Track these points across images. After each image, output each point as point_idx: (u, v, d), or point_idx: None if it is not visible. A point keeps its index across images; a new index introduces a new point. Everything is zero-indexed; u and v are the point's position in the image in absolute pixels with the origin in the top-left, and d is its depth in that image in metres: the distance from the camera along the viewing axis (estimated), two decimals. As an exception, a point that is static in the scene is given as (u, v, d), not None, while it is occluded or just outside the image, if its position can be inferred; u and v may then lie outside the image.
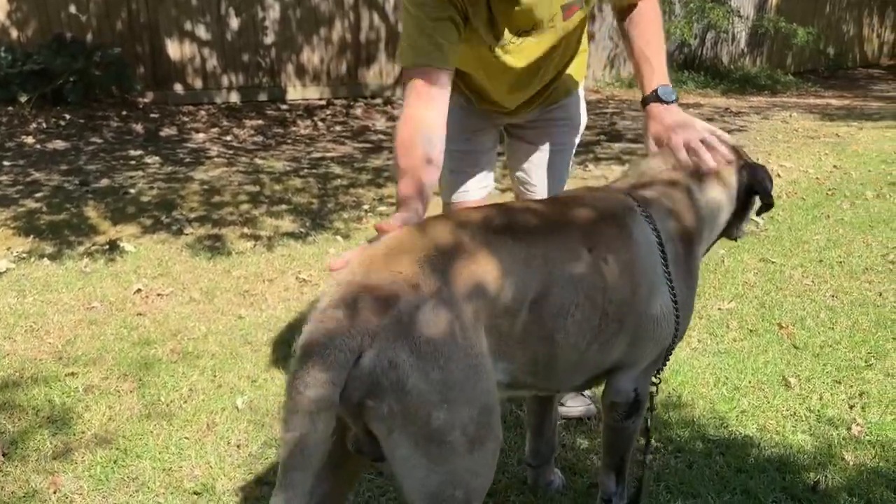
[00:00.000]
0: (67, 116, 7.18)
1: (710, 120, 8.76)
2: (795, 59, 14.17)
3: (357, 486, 2.05)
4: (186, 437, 2.30)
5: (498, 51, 1.92)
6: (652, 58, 1.91)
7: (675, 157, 1.77)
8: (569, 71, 2.18)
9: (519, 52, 1.93)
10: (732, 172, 1.80)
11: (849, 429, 2.33)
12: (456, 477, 1.30)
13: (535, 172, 2.33)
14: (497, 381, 1.40)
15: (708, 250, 1.90)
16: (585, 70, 2.31)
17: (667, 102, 1.85)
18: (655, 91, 1.86)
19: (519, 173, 2.36)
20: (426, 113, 1.71)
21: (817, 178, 5.88)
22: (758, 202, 1.84)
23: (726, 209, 1.80)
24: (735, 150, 1.85)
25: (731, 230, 1.88)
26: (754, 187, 1.81)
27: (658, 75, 1.89)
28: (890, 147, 7.11)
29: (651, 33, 1.95)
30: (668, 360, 1.73)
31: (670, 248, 1.63)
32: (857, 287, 3.53)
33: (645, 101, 1.89)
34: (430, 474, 1.29)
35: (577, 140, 2.38)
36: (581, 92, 2.33)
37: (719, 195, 1.77)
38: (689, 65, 12.38)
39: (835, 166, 6.29)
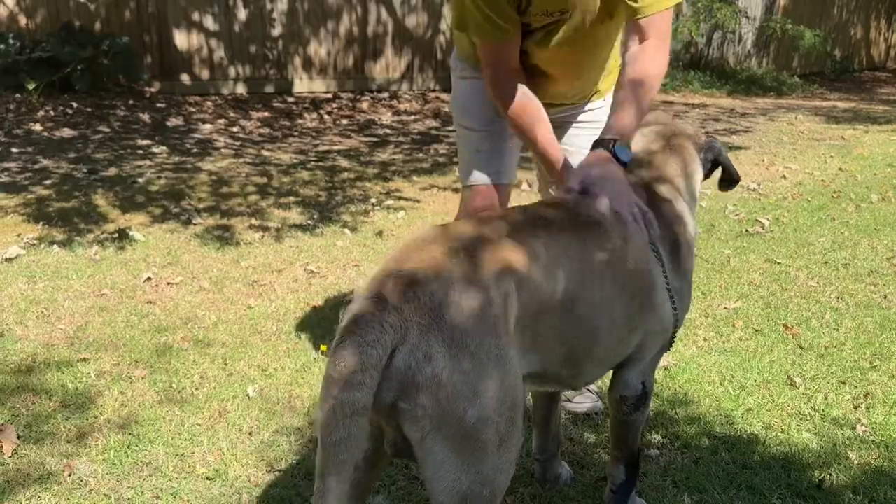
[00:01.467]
0: (75, 105, 7.20)
1: (715, 120, 8.83)
2: (802, 61, 14.16)
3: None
4: (198, 424, 2.33)
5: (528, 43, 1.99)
6: (625, 109, 1.81)
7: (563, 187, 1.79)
8: (595, 76, 2.21)
9: (545, 48, 2.00)
10: (698, 160, 1.88)
11: (853, 428, 2.35)
12: (485, 476, 1.29)
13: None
14: (527, 372, 1.42)
15: None
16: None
17: (621, 162, 1.75)
18: (614, 141, 1.76)
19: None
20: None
21: (823, 180, 5.90)
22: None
23: (693, 193, 1.88)
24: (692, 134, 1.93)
25: None
26: (722, 165, 1.91)
27: (626, 128, 1.80)
28: (895, 150, 7.13)
29: (639, 81, 1.84)
30: (670, 349, 1.77)
31: (661, 239, 1.68)
32: (862, 289, 3.55)
33: (597, 143, 1.79)
34: (461, 476, 1.27)
35: None
36: (609, 99, 2.22)
37: (697, 184, 1.87)
38: (695, 64, 12.38)
39: (840, 169, 6.31)
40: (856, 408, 2.49)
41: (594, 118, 2.26)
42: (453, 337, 1.24)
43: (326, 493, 1.24)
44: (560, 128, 2.28)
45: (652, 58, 1.87)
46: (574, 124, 2.31)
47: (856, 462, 2.18)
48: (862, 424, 2.37)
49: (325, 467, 1.23)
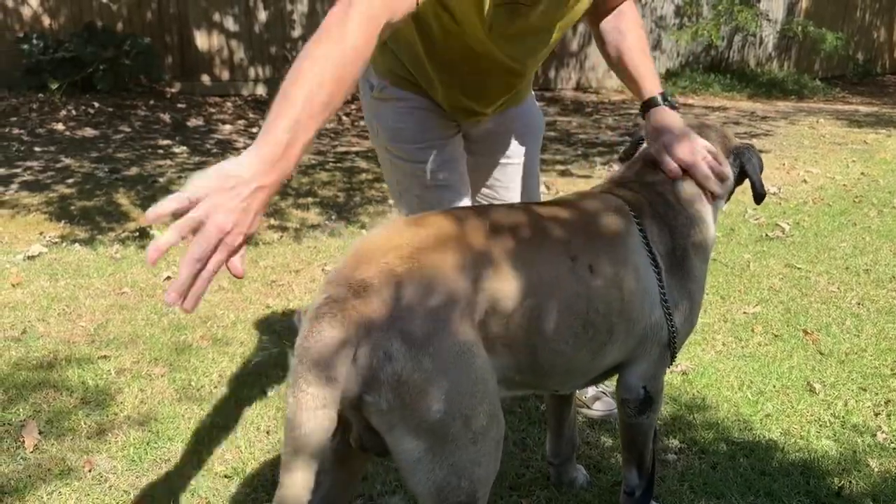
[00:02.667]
0: (97, 104, 7.28)
1: (736, 123, 8.76)
2: (823, 64, 14.04)
3: (372, 482, 2.09)
4: (217, 422, 2.34)
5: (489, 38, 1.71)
6: (649, 69, 1.88)
7: (667, 166, 1.75)
8: (530, 79, 2.05)
9: (507, 37, 1.73)
10: (726, 163, 1.83)
11: (874, 436, 2.33)
12: (460, 468, 1.31)
13: (503, 191, 2.16)
14: (499, 377, 1.41)
15: None
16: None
17: (674, 107, 1.84)
18: (663, 94, 1.84)
19: (487, 190, 2.17)
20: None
21: (844, 184, 5.84)
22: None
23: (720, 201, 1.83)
24: (724, 136, 1.89)
25: None
26: (747, 174, 1.85)
27: (657, 83, 1.87)
28: (918, 155, 7.05)
29: (643, 45, 1.90)
30: (675, 357, 1.71)
31: (658, 248, 1.64)
32: (883, 295, 3.51)
33: (651, 103, 1.84)
34: (434, 468, 1.29)
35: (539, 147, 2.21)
36: (532, 95, 2.17)
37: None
38: (715, 67, 12.31)
39: (862, 173, 6.24)
40: (876, 415, 2.46)
41: (525, 122, 2.14)
42: (413, 337, 1.26)
43: (290, 487, 1.24)
44: (501, 136, 2.10)
45: (636, 22, 1.92)
46: (515, 131, 2.12)
47: (876, 470, 2.16)
48: (882, 432, 2.35)
49: (291, 463, 1.23)
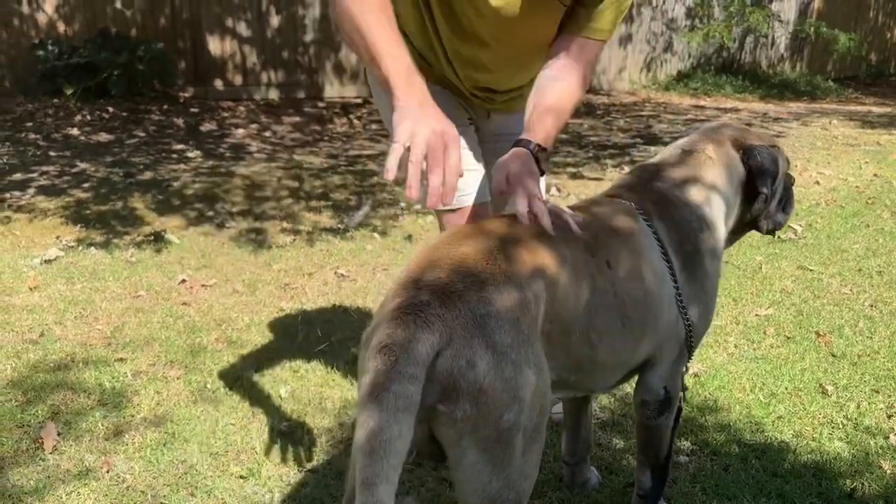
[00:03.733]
0: (111, 109, 7.34)
1: (748, 125, 8.74)
2: (836, 65, 13.96)
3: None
4: (232, 423, 2.37)
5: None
6: (548, 123, 1.70)
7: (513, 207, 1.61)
8: (532, 72, 1.89)
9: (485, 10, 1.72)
10: (730, 162, 1.82)
11: (886, 438, 2.33)
12: (512, 481, 1.30)
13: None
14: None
15: (733, 242, 1.96)
16: None
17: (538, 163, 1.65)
18: (539, 146, 1.66)
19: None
20: None
21: (857, 186, 5.82)
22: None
23: (724, 199, 1.80)
24: (735, 137, 1.87)
25: (756, 222, 1.91)
26: (753, 173, 1.81)
27: (549, 138, 1.69)
28: (932, 156, 7.01)
29: (565, 100, 1.73)
30: (692, 355, 1.74)
31: (669, 246, 1.66)
32: (896, 297, 3.51)
33: (520, 143, 1.67)
34: (492, 480, 1.28)
35: None
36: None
37: (713, 184, 1.79)
38: (727, 69, 12.28)
39: (875, 175, 6.21)
40: (889, 417, 2.46)
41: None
42: (496, 345, 1.25)
43: None
44: (508, 138, 1.87)
45: (579, 85, 1.76)
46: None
47: (888, 472, 2.16)
48: (896, 434, 2.35)
49: (370, 475, 1.13)
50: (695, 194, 1.77)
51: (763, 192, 1.81)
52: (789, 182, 1.98)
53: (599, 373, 1.61)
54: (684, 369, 1.77)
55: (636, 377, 1.78)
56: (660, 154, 1.92)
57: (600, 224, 1.63)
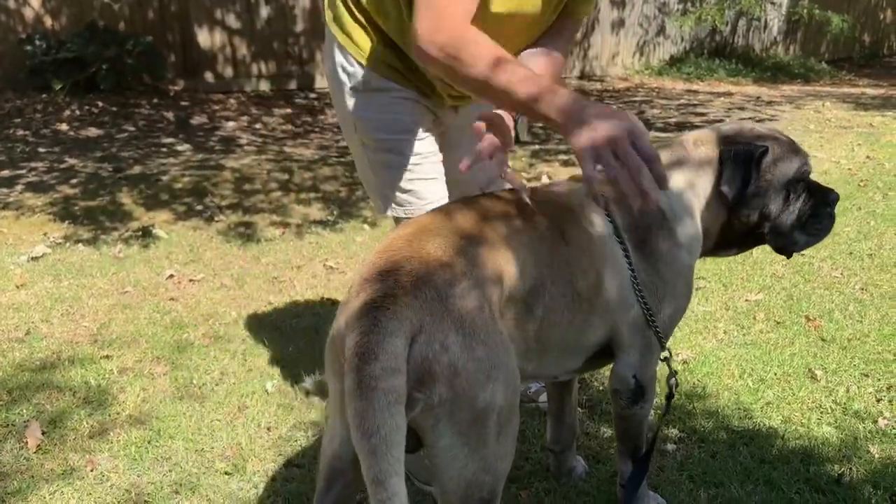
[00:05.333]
0: (100, 104, 7.30)
1: (741, 109, 8.71)
2: (830, 47, 13.93)
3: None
4: (218, 419, 2.36)
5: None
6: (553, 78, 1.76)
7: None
8: None
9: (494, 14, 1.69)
10: (710, 157, 1.73)
11: (875, 422, 2.32)
12: (488, 463, 1.32)
13: (469, 185, 2.03)
14: None
15: (733, 252, 1.86)
16: None
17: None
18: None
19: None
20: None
21: (849, 168, 5.80)
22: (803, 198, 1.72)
23: (694, 192, 1.72)
24: (726, 133, 1.77)
25: (773, 237, 1.77)
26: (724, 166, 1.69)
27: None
28: (925, 137, 6.99)
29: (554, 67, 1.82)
30: (663, 346, 1.69)
31: (624, 231, 1.63)
32: (887, 280, 3.49)
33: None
34: (468, 462, 1.30)
35: None
36: None
37: (681, 180, 1.72)
38: (720, 52, 12.24)
39: (868, 157, 6.19)
40: (878, 401, 2.45)
41: None
42: (465, 326, 1.27)
43: (393, 499, 1.15)
44: (464, 137, 1.94)
45: (563, 59, 1.88)
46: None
47: (877, 456, 2.15)
48: (884, 418, 2.34)
49: (379, 472, 1.15)
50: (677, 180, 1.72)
51: (722, 189, 1.69)
52: (821, 196, 1.75)
53: (552, 355, 1.59)
54: (661, 359, 1.73)
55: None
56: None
57: (557, 204, 1.63)
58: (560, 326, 1.55)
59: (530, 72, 1.47)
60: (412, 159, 1.92)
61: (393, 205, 1.98)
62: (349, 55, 1.88)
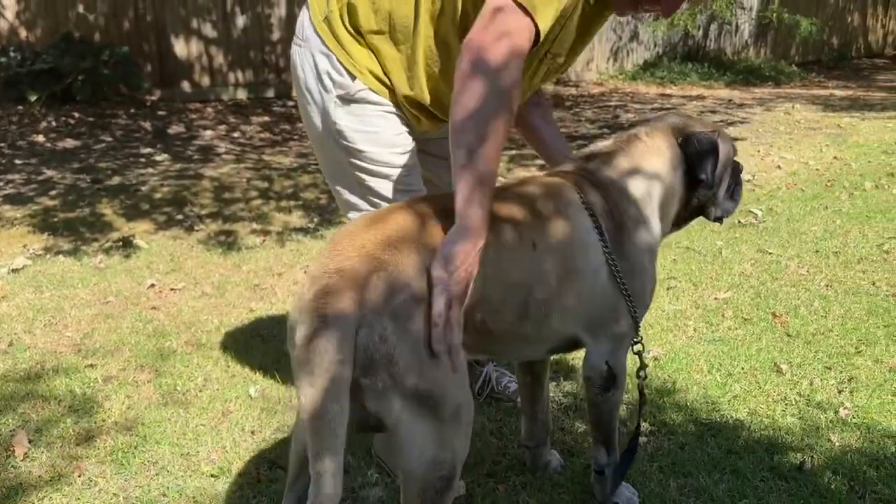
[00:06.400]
0: (77, 115, 7.30)
1: (713, 112, 8.86)
2: (800, 50, 14.19)
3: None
4: (203, 424, 2.41)
5: None
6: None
7: None
8: None
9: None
10: (666, 147, 1.87)
11: (836, 412, 2.42)
12: (445, 441, 1.43)
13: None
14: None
15: (680, 228, 2.01)
16: None
17: None
18: None
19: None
20: None
21: (817, 169, 5.95)
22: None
23: (660, 183, 1.85)
24: (675, 125, 1.91)
25: (704, 209, 1.95)
26: (691, 159, 1.85)
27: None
28: (891, 137, 7.18)
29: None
30: (638, 331, 1.78)
31: (605, 224, 1.72)
32: (851, 276, 3.61)
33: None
34: (426, 440, 1.41)
35: None
36: None
37: (644, 167, 1.85)
38: (692, 56, 12.43)
39: (835, 157, 6.36)
40: (840, 392, 2.56)
41: None
42: (400, 317, 1.38)
43: (324, 475, 1.31)
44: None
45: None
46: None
47: (837, 444, 2.25)
48: (845, 408, 2.44)
49: (320, 450, 1.30)
50: (626, 176, 1.82)
51: (702, 178, 1.85)
52: (738, 169, 2.02)
53: (508, 344, 1.72)
54: (634, 352, 1.82)
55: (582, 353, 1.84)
56: (599, 142, 1.97)
57: (531, 198, 1.70)
58: (509, 323, 1.64)
59: (494, 168, 1.51)
60: (396, 171, 1.98)
61: (364, 212, 2.00)
62: (339, 63, 1.88)
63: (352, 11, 1.87)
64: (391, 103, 1.94)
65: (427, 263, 1.44)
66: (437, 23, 1.80)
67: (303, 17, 2.01)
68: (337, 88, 1.91)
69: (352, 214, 2.05)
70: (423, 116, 1.97)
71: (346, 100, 1.91)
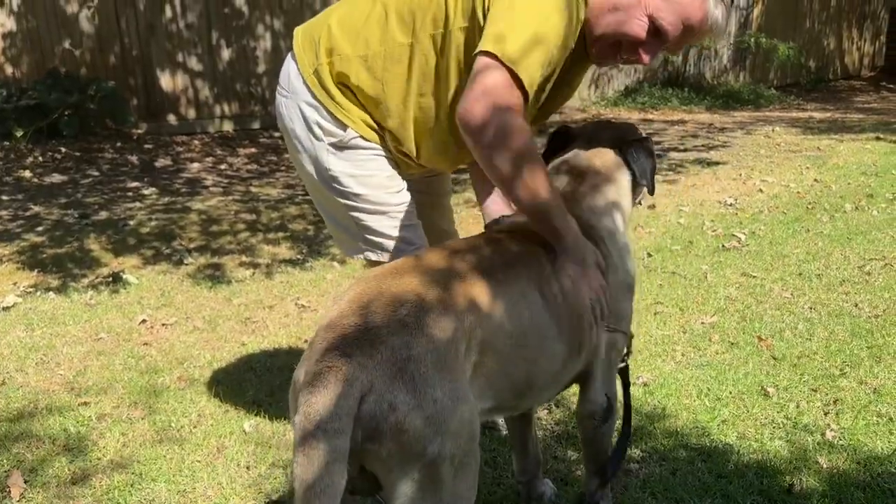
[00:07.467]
0: (63, 150, 7.32)
1: (693, 136, 8.98)
2: (778, 74, 14.45)
3: None
4: (198, 461, 2.42)
5: None
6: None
7: None
8: None
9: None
10: (615, 166, 1.94)
11: (823, 434, 2.47)
12: (446, 503, 1.39)
13: (445, 223, 2.37)
14: (483, 408, 1.53)
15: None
16: None
17: None
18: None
19: (444, 225, 2.35)
20: None
21: (798, 192, 6.06)
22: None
23: (626, 204, 1.95)
24: (613, 139, 1.97)
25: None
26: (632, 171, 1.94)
27: None
28: (869, 159, 7.31)
29: None
30: (627, 359, 1.88)
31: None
32: (834, 298, 3.68)
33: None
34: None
35: None
36: None
37: (610, 195, 1.92)
38: (672, 81, 12.62)
39: (815, 180, 6.47)
40: (826, 414, 2.61)
41: None
42: (416, 385, 1.33)
43: None
44: (438, 179, 2.31)
45: None
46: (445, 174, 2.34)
47: (825, 466, 2.29)
48: (831, 430, 2.49)
49: None
50: (601, 215, 1.87)
51: (644, 184, 1.93)
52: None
53: (539, 392, 1.72)
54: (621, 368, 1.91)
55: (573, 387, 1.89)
56: (553, 168, 1.97)
57: (536, 246, 1.73)
58: (550, 371, 1.67)
59: (551, 197, 1.67)
60: (393, 209, 2.02)
61: (366, 251, 2.07)
62: (328, 114, 1.93)
63: (343, 71, 1.91)
64: (381, 147, 1.99)
65: (457, 327, 1.42)
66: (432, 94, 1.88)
67: (288, 68, 2.03)
68: (328, 136, 1.95)
69: (357, 256, 2.11)
70: (412, 162, 2.03)
71: (339, 147, 1.95)
